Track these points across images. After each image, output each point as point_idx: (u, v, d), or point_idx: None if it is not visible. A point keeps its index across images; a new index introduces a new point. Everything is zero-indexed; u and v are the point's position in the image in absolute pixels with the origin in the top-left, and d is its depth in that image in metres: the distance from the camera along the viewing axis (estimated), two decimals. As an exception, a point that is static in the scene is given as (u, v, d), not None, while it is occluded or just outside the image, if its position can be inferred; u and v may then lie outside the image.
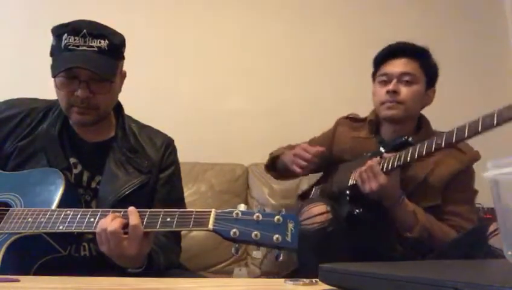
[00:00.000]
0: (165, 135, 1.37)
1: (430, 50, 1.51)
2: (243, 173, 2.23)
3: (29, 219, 1.01)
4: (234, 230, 0.88)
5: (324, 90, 2.43)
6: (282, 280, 0.88)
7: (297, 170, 1.53)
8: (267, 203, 2.10)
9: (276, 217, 0.88)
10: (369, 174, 1.32)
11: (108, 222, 0.95)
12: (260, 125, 2.43)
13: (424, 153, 1.25)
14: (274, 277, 1.62)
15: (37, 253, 1.05)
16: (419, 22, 2.57)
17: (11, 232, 1.00)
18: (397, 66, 1.46)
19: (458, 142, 1.20)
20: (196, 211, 0.95)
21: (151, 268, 1.07)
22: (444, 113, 2.35)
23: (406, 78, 1.44)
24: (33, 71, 2.11)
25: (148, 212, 0.97)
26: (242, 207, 0.91)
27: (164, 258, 1.13)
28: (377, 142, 1.51)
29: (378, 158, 1.35)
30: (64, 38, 1.15)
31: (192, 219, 0.93)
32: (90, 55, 1.14)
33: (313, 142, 1.66)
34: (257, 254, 0.91)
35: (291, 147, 1.65)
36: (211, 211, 0.93)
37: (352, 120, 1.64)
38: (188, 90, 2.40)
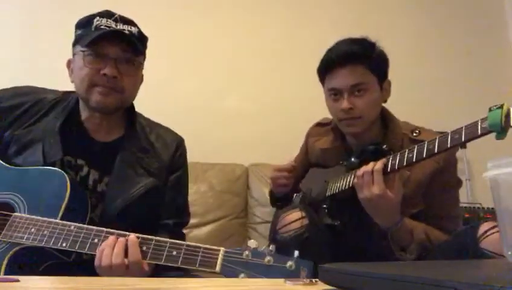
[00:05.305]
0: (176, 134, 1.36)
1: (369, 40, 1.34)
2: (243, 173, 2.24)
3: (32, 229, 0.99)
4: (242, 275, 0.83)
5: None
6: (282, 280, 0.88)
7: (283, 189, 1.51)
8: (266, 203, 2.10)
9: (289, 263, 0.82)
10: (367, 179, 1.19)
11: (111, 256, 0.93)
12: (260, 125, 2.43)
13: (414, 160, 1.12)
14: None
15: (39, 260, 1.04)
16: (417, 20, 2.57)
17: (14, 242, 0.99)
18: (343, 78, 1.31)
19: (453, 147, 1.06)
20: (204, 249, 0.91)
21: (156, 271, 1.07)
22: (443, 112, 2.36)
23: (357, 88, 1.31)
24: (35, 72, 2.11)
25: (153, 242, 0.94)
26: (253, 244, 0.86)
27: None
28: (345, 151, 1.43)
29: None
30: (96, 20, 1.13)
31: (199, 258, 0.90)
32: (122, 34, 1.14)
33: (296, 161, 1.64)
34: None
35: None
36: (219, 251, 0.88)
37: (320, 125, 1.56)
38: (187, 90, 2.41)
